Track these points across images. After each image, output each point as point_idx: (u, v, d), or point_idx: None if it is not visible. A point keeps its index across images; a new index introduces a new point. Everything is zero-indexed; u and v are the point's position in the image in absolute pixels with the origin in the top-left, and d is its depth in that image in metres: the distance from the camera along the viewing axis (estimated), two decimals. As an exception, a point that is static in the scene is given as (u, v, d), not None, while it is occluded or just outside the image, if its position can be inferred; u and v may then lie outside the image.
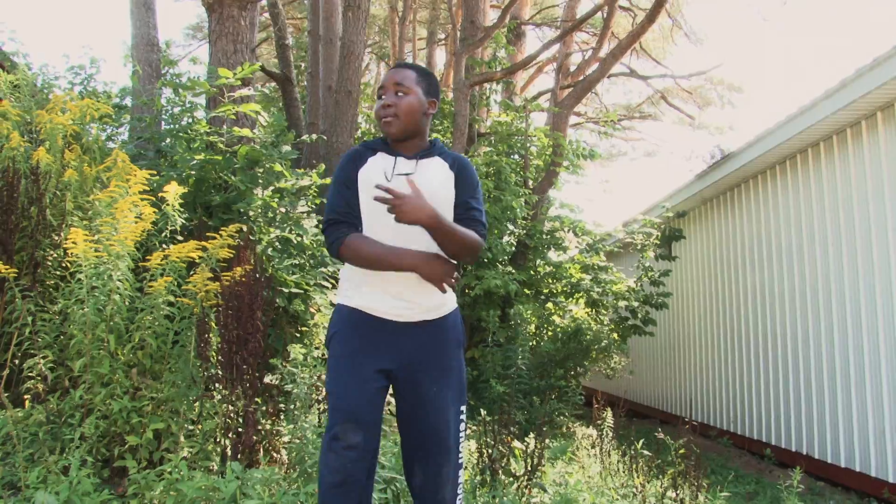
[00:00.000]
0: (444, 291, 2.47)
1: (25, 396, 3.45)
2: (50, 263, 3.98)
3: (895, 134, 6.04)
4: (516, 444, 4.38)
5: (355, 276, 2.56)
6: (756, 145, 7.87)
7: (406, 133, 2.55)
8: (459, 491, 2.57)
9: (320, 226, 2.59)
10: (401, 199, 2.29)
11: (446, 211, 2.52)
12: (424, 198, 2.35)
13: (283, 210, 5.33)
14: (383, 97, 2.56)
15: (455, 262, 2.52)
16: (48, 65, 7.47)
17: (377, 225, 2.48)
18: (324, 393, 4.09)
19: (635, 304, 9.43)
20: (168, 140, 5.70)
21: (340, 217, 2.53)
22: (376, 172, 2.53)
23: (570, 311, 10.13)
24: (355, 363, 2.46)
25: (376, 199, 2.32)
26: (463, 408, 2.59)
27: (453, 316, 2.63)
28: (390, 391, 2.61)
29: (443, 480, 2.50)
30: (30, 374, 3.46)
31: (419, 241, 2.44)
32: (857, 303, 6.49)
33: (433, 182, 2.52)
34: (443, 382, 2.53)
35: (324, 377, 4.09)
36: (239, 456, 3.45)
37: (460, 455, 2.55)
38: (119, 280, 3.53)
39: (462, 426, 2.57)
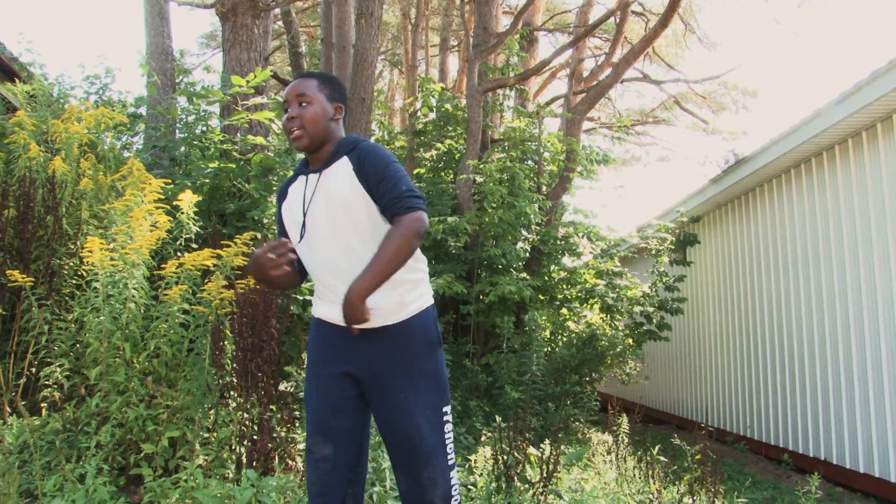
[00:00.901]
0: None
1: (42, 405, 3.47)
2: (66, 272, 4.01)
3: (912, 136, 5.99)
4: (532, 450, 4.37)
5: (315, 286, 2.58)
6: (770, 149, 7.83)
7: (315, 143, 2.52)
8: (455, 493, 2.50)
9: None
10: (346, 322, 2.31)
11: (356, 209, 2.43)
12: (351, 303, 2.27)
13: (297, 218, 5.34)
14: (287, 111, 2.54)
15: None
16: (64, 75, 7.52)
17: (298, 244, 2.53)
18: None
19: (650, 309, 9.39)
20: (182, 148, 5.73)
21: None
22: (294, 205, 2.55)
23: (585, 316, 10.10)
24: (319, 374, 2.49)
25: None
26: (446, 408, 2.52)
27: (420, 317, 2.52)
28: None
29: (425, 485, 2.44)
30: (46, 382, 3.48)
31: (325, 260, 2.46)
32: (874, 307, 6.44)
33: (341, 190, 2.45)
34: (411, 387, 2.45)
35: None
36: (254, 463, 3.45)
37: (448, 457, 2.48)
38: (134, 288, 3.55)
39: (447, 427, 2.50)
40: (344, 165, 2.49)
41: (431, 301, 2.59)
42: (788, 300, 8.01)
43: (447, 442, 2.48)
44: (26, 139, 4.53)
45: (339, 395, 2.44)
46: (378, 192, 2.42)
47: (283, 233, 2.65)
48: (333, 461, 2.40)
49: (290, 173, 5.33)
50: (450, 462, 2.48)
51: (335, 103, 2.59)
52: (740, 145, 18.71)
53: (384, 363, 2.45)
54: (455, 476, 2.49)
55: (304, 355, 4.04)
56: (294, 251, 2.47)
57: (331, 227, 2.45)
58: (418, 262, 2.54)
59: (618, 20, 11.05)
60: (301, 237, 2.50)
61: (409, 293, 2.49)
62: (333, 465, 2.40)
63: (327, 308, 2.49)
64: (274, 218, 5.15)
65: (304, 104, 2.51)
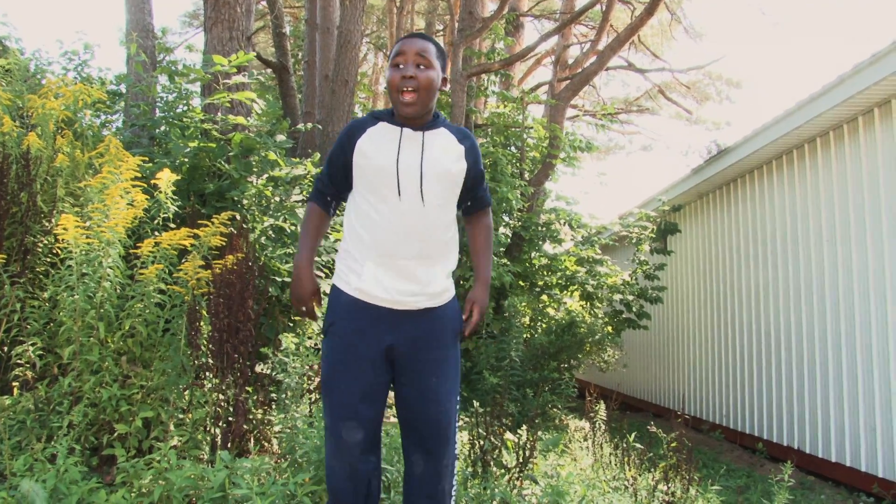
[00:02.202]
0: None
1: (14, 384, 3.42)
2: (40, 250, 3.95)
3: (891, 131, 6.02)
4: (508, 436, 4.37)
5: (357, 250, 2.45)
6: (753, 140, 7.86)
7: (423, 112, 2.43)
8: (454, 482, 2.55)
9: None
10: (477, 320, 2.62)
11: (454, 185, 2.50)
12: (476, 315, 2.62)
13: (276, 199, 5.30)
14: (401, 66, 2.41)
15: None
16: (41, 50, 7.41)
17: (378, 195, 2.42)
18: (316, 382, 4.08)
19: (630, 297, 9.43)
20: (163, 127, 5.66)
21: (324, 181, 2.61)
22: (383, 144, 2.44)
23: (565, 303, 10.12)
24: (355, 359, 2.41)
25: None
26: (457, 398, 2.56)
27: (453, 304, 2.57)
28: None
29: (443, 471, 2.48)
30: (18, 361, 3.43)
31: (422, 221, 2.42)
32: (850, 299, 6.49)
33: (443, 159, 2.46)
34: (442, 372, 2.47)
35: (316, 367, 4.08)
36: (229, 445, 3.43)
37: (456, 445, 2.54)
38: (110, 267, 3.51)
39: (456, 416, 2.54)
40: (448, 138, 2.52)
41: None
42: (766, 291, 8.06)
43: (457, 431, 2.55)
44: (0, 113, 4.45)
45: (373, 381, 2.40)
46: (472, 188, 2.60)
47: (332, 167, 2.56)
48: (363, 447, 2.38)
49: (271, 155, 5.30)
50: (457, 451, 2.55)
51: (443, 75, 2.54)
52: (723, 136, 18.79)
53: (421, 346, 2.45)
54: (457, 465, 2.58)
55: (290, 336, 4.01)
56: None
57: (432, 185, 2.43)
58: (455, 248, 2.60)
59: (604, 8, 11.01)
60: (398, 187, 2.40)
61: (451, 279, 2.55)
62: (363, 451, 2.38)
63: (381, 287, 2.41)
64: (254, 198, 5.10)
65: (422, 66, 2.42)
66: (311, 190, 2.66)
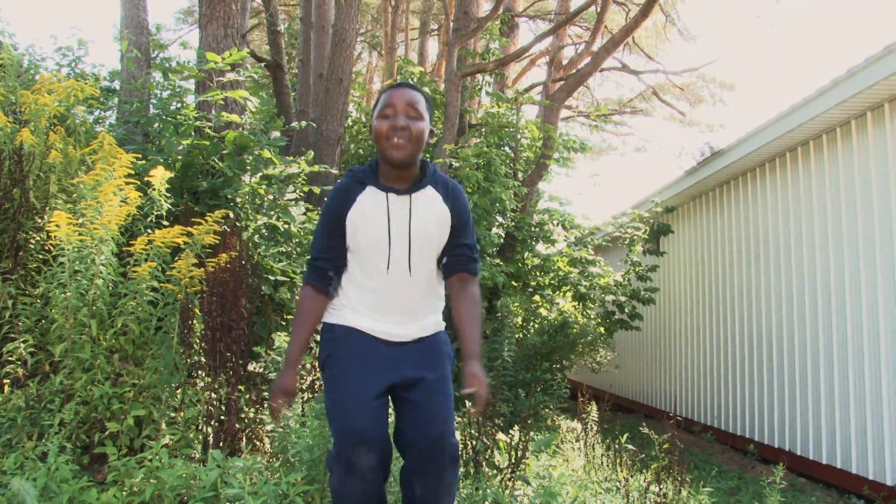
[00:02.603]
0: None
1: (5, 381, 3.40)
2: (32, 246, 3.93)
3: (884, 134, 6.04)
4: (501, 436, 4.37)
5: (351, 298, 2.53)
6: (746, 143, 7.88)
7: (411, 160, 2.43)
8: (454, 501, 2.57)
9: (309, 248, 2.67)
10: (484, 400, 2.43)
11: (438, 249, 2.54)
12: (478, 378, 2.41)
13: (270, 197, 5.29)
14: (391, 117, 2.41)
15: None
16: (35, 45, 7.36)
17: (369, 265, 2.48)
18: (308, 381, 4.07)
19: (622, 298, 9.44)
20: (156, 124, 5.64)
21: (320, 255, 2.54)
22: (373, 214, 2.45)
23: (557, 304, 10.13)
24: (358, 385, 2.42)
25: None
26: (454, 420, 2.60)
27: (444, 333, 2.64)
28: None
29: (443, 491, 2.47)
30: (9, 358, 3.42)
31: (408, 289, 2.49)
32: (842, 301, 6.51)
33: (429, 227, 2.48)
34: (443, 392, 2.50)
35: (307, 366, 4.08)
36: (221, 444, 3.42)
37: (459, 466, 2.55)
38: (102, 264, 3.49)
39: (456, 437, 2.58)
40: (433, 198, 2.51)
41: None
42: (759, 293, 8.08)
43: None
44: (-7, 109, 4.43)
45: (378, 405, 2.41)
46: (455, 244, 2.55)
47: (325, 236, 2.54)
48: (378, 469, 2.38)
49: (265, 153, 5.29)
50: (459, 472, 2.60)
51: (431, 126, 2.53)
52: (716, 138, 18.79)
53: (421, 370, 2.48)
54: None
55: (282, 335, 4.01)
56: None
57: (419, 255, 2.48)
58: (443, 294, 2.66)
59: (599, 9, 11.01)
60: (388, 261, 2.45)
61: (440, 313, 2.61)
62: (376, 474, 2.38)
63: (381, 325, 2.49)
64: (248, 196, 5.09)
65: (413, 117, 2.42)
66: (305, 275, 2.58)
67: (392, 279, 2.46)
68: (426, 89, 11.15)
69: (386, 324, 2.49)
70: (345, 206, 2.47)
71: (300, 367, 2.60)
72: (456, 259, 2.56)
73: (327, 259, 2.52)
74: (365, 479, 2.34)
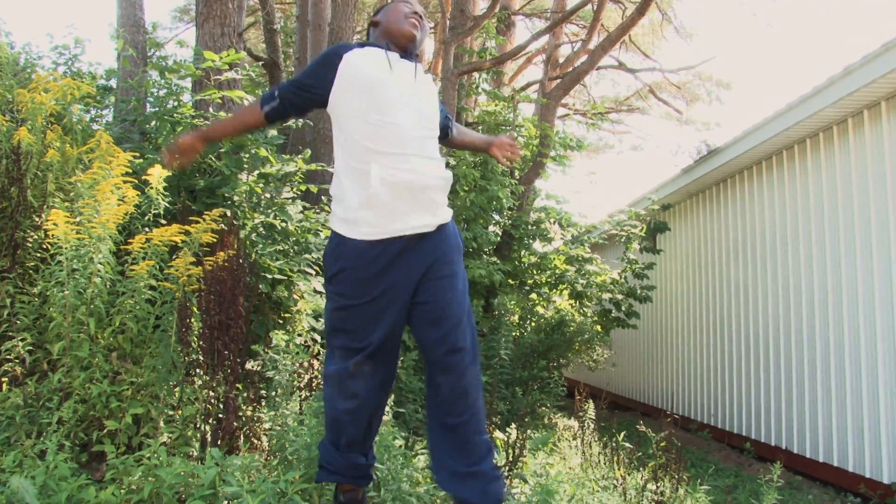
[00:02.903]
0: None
1: (3, 379, 3.40)
2: (30, 245, 3.93)
3: (881, 132, 6.06)
4: (498, 434, 4.38)
5: (354, 190, 2.53)
6: (742, 141, 7.89)
7: (417, 43, 2.75)
8: (482, 402, 2.60)
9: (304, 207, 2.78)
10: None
11: (435, 114, 2.75)
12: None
13: (267, 195, 5.29)
14: (411, 3, 2.78)
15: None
16: (31, 43, 7.36)
17: (383, 119, 2.55)
18: (306, 379, 4.07)
19: (619, 296, 9.45)
20: (153, 123, 5.64)
21: (280, 93, 2.71)
22: (372, 59, 2.63)
23: (554, 302, 10.14)
24: (371, 304, 2.49)
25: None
26: (473, 320, 2.63)
27: (452, 224, 2.68)
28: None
29: (469, 382, 2.50)
30: (7, 356, 3.42)
31: (410, 130, 2.58)
32: (839, 300, 6.53)
33: (427, 87, 2.77)
34: (454, 287, 2.55)
35: (306, 364, 4.08)
36: (219, 442, 3.42)
37: (478, 370, 2.60)
38: (100, 263, 3.49)
39: (475, 338, 2.61)
40: (428, 75, 2.81)
41: None
42: (755, 291, 8.10)
43: (476, 336, 2.59)
44: (-10, 108, 4.43)
45: (393, 322, 2.49)
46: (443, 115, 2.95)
47: (307, 80, 2.68)
48: (381, 382, 2.49)
49: (262, 151, 5.29)
50: (480, 376, 2.59)
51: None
52: (713, 136, 18.90)
53: (431, 266, 2.52)
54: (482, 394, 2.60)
55: (280, 334, 4.01)
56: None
57: (426, 116, 2.67)
58: None
59: (595, 7, 11.03)
60: (398, 106, 2.57)
61: (445, 197, 2.67)
62: (378, 385, 2.49)
63: (385, 222, 2.49)
64: (245, 195, 5.09)
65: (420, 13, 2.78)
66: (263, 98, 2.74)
67: (403, 120, 2.56)
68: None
69: (390, 219, 2.49)
70: (339, 53, 2.64)
71: (203, 139, 2.77)
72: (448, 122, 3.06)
73: (284, 95, 2.69)
74: (365, 397, 2.52)
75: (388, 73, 2.60)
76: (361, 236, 2.50)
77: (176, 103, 5.88)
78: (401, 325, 2.57)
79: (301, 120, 7.21)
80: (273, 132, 5.61)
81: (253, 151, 5.29)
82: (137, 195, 3.86)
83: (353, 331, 2.54)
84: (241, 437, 3.74)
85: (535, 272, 9.52)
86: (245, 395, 3.88)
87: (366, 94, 2.52)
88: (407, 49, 2.75)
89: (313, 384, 4.07)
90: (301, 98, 2.67)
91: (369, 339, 2.51)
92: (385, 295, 2.48)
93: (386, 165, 2.45)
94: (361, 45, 2.71)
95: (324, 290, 2.66)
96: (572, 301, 9.72)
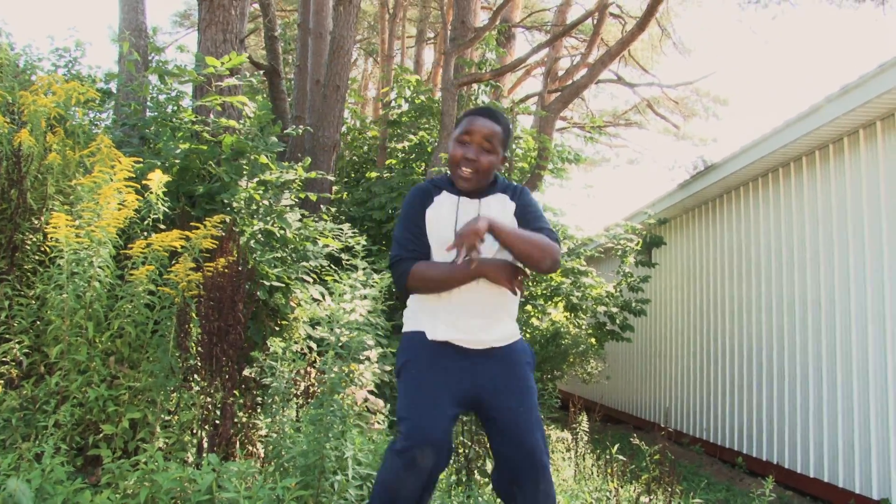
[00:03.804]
0: (514, 292, 2.51)
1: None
2: (29, 247, 3.94)
3: (876, 151, 6.11)
4: (492, 445, 4.38)
5: (427, 305, 2.60)
6: (739, 157, 7.94)
7: (477, 190, 2.60)
8: None
9: (388, 260, 2.71)
10: (460, 234, 2.36)
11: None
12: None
13: (266, 203, 5.31)
14: (466, 143, 2.55)
15: (526, 266, 2.54)
16: (32, 45, 7.37)
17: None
18: (302, 387, 4.09)
19: (614, 309, 9.47)
20: (153, 127, 5.65)
21: (407, 254, 2.59)
22: (444, 214, 2.58)
23: (549, 314, 10.15)
24: (433, 391, 2.50)
25: (449, 249, 2.43)
26: (543, 428, 2.61)
27: (522, 342, 2.67)
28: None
29: (541, 498, 2.51)
30: (4, 359, 3.42)
31: (481, 290, 2.54)
32: (831, 316, 6.56)
33: (495, 216, 2.54)
34: (527, 403, 2.55)
35: (303, 371, 4.10)
36: (216, 448, 3.43)
37: (550, 473, 2.58)
38: (100, 267, 3.50)
39: (546, 445, 2.59)
40: (502, 199, 2.62)
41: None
42: (749, 306, 8.13)
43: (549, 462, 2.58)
44: (-7, 110, 4.44)
45: (450, 415, 2.49)
46: (524, 218, 2.58)
47: (410, 233, 2.62)
48: (434, 470, 2.47)
49: (262, 158, 5.30)
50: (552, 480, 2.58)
51: (504, 153, 2.65)
52: (709, 152, 18.91)
53: (502, 379, 2.54)
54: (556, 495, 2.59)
55: (277, 341, 4.02)
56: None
57: (489, 254, 2.54)
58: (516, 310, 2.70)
59: (595, 21, 11.09)
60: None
61: (515, 323, 2.66)
62: (431, 474, 2.47)
63: (457, 333, 2.54)
64: (244, 202, 5.11)
65: (486, 150, 2.55)
66: (397, 271, 2.61)
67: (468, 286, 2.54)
68: (422, 98, 11.20)
69: (461, 330, 2.54)
70: (424, 203, 2.62)
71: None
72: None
73: (411, 251, 2.60)
74: (420, 478, 2.44)
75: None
76: None
77: (175, 108, 5.90)
78: None
79: (301, 127, 7.24)
80: (273, 139, 5.63)
81: (253, 158, 5.31)
82: (137, 200, 3.87)
83: None
84: (237, 443, 3.75)
85: (530, 284, 9.53)
86: (241, 401, 3.89)
87: None
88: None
89: (310, 391, 4.08)
90: None
91: None
92: None
93: None
94: (437, 183, 2.71)
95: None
96: (567, 313, 9.74)
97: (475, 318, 2.54)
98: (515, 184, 2.73)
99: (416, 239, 2.60)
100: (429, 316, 2.58)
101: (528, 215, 2.61)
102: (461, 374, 2.52)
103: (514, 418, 2.51)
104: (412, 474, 2.42)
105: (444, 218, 2.57)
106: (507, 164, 2.77)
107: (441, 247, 2.53)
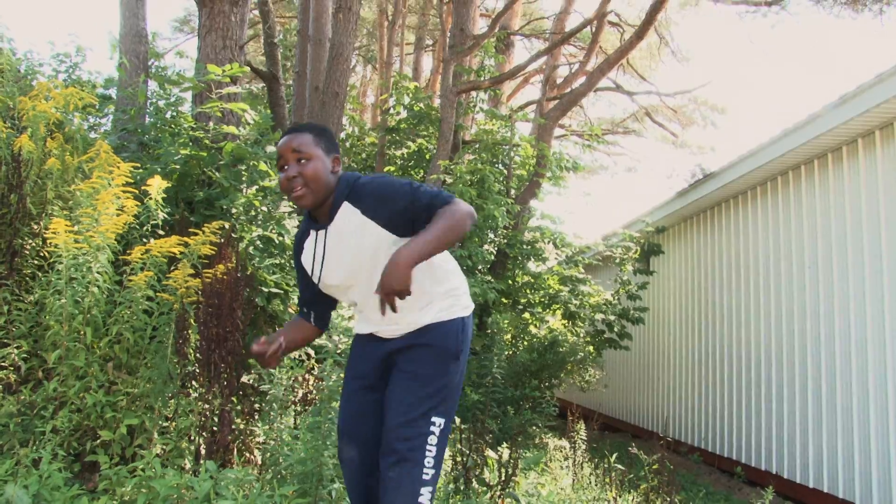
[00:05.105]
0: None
1: (-3, 386, 3.39)
2: (28, 252, 3.93)
3: (875, 160, 6.11)
4: (490, 453, 4.38)
5: (357, 311, 2.72)
6: (737, 166, 7.94)
7: (319, 200, 2.46)
8: None
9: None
10: (383, 289, 2.22)
11: (389, 245, 2.41)
12: (384, 270, 2.24)
13: (265, 209, 5.31)
14: (286, 168, 2.44)
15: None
16: (33, 51, 7.36)
17: (338, 296, 2.67)
18: (300, 394, 4.09)
19: (612, 317, 9.47)
20: (152, 133, 5.65)
21: (303, 305, 2.75)
22: (311, 257, 2.59)
23: (547, 322, 10.15)
24: (350, 383, 2.64)
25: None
26: (438, 420, 2.42)
27: (441, 327, 2.51)
28: None
29: (388, 485, 2.33)
30: (2, 364, 3.41)
31: (372, 298, 2.45)
32: (830, 326, 6.56)
33: (351, 241, 2.45)
34: (405, 386, 2.45)
35: (301, 378, 4.10)
36: (213, 455, 3.42)
37: (424, 470, 2.36)
38: (98, 272, 3.49)
39: (431, 439, 2.40)
40: (349, 215, 2.45)
41: (462, 314, 2.58)
42: (748, 315, 8.13)
43: (427, 453, 2.38)
44: (-8, 115, 4.44)
45: (365, 402, 2.57)
46: (411, 213, 2.40)
47: (302, 283, 2.73)
48: (359, 462, 2.52)
49: (262, 165, 5.31)
50: (424, 476, 2.36)
51: (332, 154, 2.52)
52: (707, 160, 18.97)
53: (396, 359, 2.54)
54: (426, 494, 2.36)
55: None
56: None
57: (355, 274, 2.50)
58: (448, 276, 2.59)
59: (594, 29, 11.13)
60: (346, 292, 2.60)
61: (429, 310, 2.52)
62: (359, 466, 2.53)
63: (368, 325, 2.62)
64: (243, 208, 5.11)
65: (302, 161, 2.43)
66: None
67: (362, 299, 2.55)
68: (420, 106, 11.22)
69: (374, 323, 2.59)
70: (298, 254, 2.67)
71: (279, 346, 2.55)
72: (423, 220, 2.40)
73: (308, 306, 2.72)
74: (349, 468, 2.54)
75: None
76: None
77: (174, 114, 5.90)
78: None
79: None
80: (272, 147, 5.63)
81: (252, 164, 5.31)
82: (136, 205, 3.87)
83: None
84: (235, 450, 3.74)
85: (528, 291, 9.54)
86: (239, 408, 3.88)
87: None
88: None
89: (308, 399, 4.08)
90: None
91: None
92: None
93: None
94: (305, 223, 2.76)
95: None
96: (565, 321, 9.73)
97: (386, 318, 2.44)
98: (357, 182, 2.49)
99: (305, 289, 2.72)
100: (358, 319, 2.71)
101: (401, 208, 2.41)
102: (369, 356, 2.60)
103: (387, 399, 2.48)
104: (342, 464, 2.56)
105: (311, 260, 2.58)
106: (339, 168, 2.58)
107: (324, 288, 2.62)
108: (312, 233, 2.56)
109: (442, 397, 2.47)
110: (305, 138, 2.47)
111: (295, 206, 2.74)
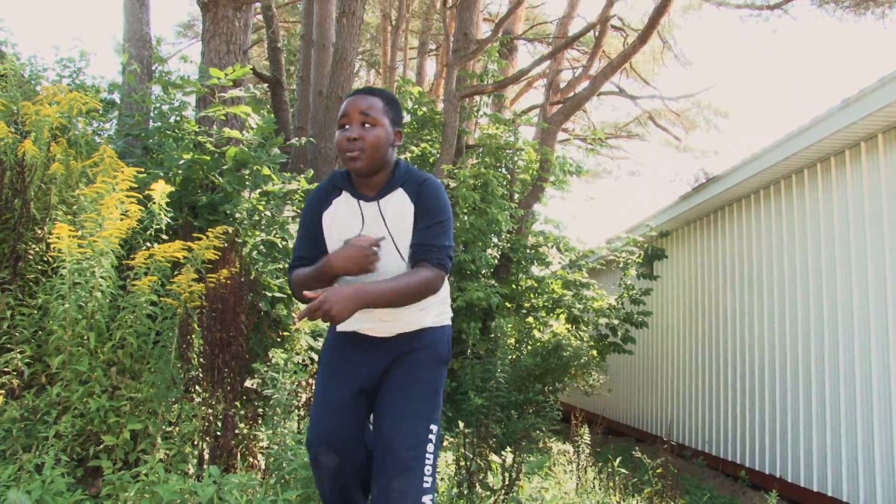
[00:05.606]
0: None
1: (0, 391, 3.40)
2: (31, 257, 3.93)
3: (878, 164, 6.10)
4: (493, 457, 4.37)
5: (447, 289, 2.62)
6: (741, 170, 7.93)
7: (372, 169, 2.40)
8: None
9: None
10: (322, 300, 2.15)
11: (407, 241, 2.46)
12: (351, 284, 2.25)
13: (269, 213, 5.31)
14: (347, 127, 2.39)
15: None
16: (37, 56, 7.37)
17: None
18: (304, 399, 4.08)
19: (615, 321, 9.46)
20: (156, 137, 5.66)
21: (296, 262, 2.54)
22: (341, 219, 2.48)
23: (551, 326, 10.14)
24: (325, 389, 2.50)
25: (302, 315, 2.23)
26: (434, 427, 2.43)
27: (435, 332, 2.56)
28: None
29: (392, 496, 2.30)
30: (5, 368, 3.41)
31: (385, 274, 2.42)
32: (834, 329, 6.55)
33: (395, 223, 2.44)
34: (405, 391, 2.44)
35: (304, 383, 4.09)
36: (216, 460, 3.41)
37: (425, 478, 2.34)
38: (102, 277, 3.50)
39: (430, 447, 2.39)
40: (402, 199, 2.44)
41: (449, 323, 2.63)
42: (751, 319, 8.12)
43: (426, 461, 2.37)
44: (-4, 120, 4.44)
45: (350, 409, 2.49)
46: (421, 230, 2.42)
47: (308, 237, 2.55)
48: (339, 468, 2.44)
49: (265, 170, 5.31)
50: (425, 484, 2.34)
51: (396, 128, 2.49)
52: (711, 164, 18.92)
53: (390, 364, 2.50)
54: (428, 501, 2.34)
55: (279, 352, 4.01)
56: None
57: (389, 256, 2.43)
58: (445, 283, 2.56)
59: (597, 34, 11.13)
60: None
61: (428, 312, 2.54)
62: (338, 472, 2.45)
63: (366, 324, 2.51)
64: (247, 212, 5.11)
65: (367, 125, 2.38)
66: (290, 276, 2.54)
67: (367, 280, 2.41)
68: (424, 110, 11.23)
69: (369, 322, 2.49)
70: (321, 206, 2.51)
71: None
72: (421, 250, 2.42)
73: (308, 259, 2.50)
74: (327, 476, 2.45)
75: None
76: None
77: (178, 118, 5.90)
78: None
79: (303, 138, 7.25)
80: (276, 150, 5.64)
81: (255, 169, 5.31)
82: (140, 210, 3.87)
83: None
84: (239, 455, 3.74)
85: (532, 296, 9.53)
86: (242, 412, 3.88)
87: None
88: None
89: (311, 402, 4.07)
90: None
91: None
92: None
93: None
94: (337, 182, 2.63)
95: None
96: (569, 325, 9.73)
97: (380, 313, 2.45)
98: (422, 174, 2.51)
99: (310, 243, 2.53)
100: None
101: (422, 226, 2.43)
102: (357, 364, 2.50)
103: (385, 405, 2.44)
104: (319, 471, 2.45)
105: (341, 222, 2.47)
106: (401, 141, 2.53)
107: (337, 246, 2.45)
108: (352, 199, 2.48)
109: (435, 404, 2.49)
110: (376, 102, 2.43)
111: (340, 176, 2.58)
